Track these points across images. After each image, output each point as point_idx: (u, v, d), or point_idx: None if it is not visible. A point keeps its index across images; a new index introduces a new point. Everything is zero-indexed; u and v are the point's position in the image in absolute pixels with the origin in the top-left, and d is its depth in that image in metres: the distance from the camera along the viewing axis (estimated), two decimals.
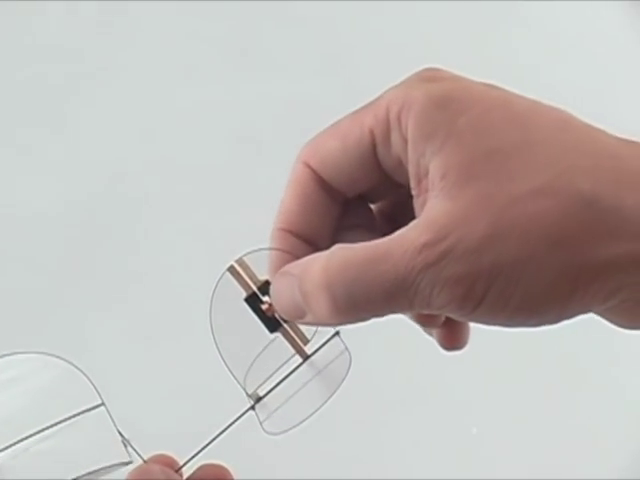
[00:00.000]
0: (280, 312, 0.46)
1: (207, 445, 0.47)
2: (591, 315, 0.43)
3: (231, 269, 0.47)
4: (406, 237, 0.41)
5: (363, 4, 1.12)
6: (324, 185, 0.46)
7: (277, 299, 0.45)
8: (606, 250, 0.40)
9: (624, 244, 0.40)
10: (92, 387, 0.47)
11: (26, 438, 0.46)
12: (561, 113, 0.43)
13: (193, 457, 0.47)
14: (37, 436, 0.46)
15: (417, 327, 0.49)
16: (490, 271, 0.40)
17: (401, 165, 0.44)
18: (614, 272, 0.40)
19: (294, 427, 0.47)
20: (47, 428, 0.47)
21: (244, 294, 0.47)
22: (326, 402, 0.48)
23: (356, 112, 0.44)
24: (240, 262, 0.47)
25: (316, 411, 0.48)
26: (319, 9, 1.14)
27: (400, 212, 0.47)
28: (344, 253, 0.42)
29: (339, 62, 1.13)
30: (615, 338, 1.05)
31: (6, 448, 0.46)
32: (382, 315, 0.43)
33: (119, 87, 1.16)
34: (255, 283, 0.47)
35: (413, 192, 0.43)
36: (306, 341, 0.48)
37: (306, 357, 0.48)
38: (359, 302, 0.42)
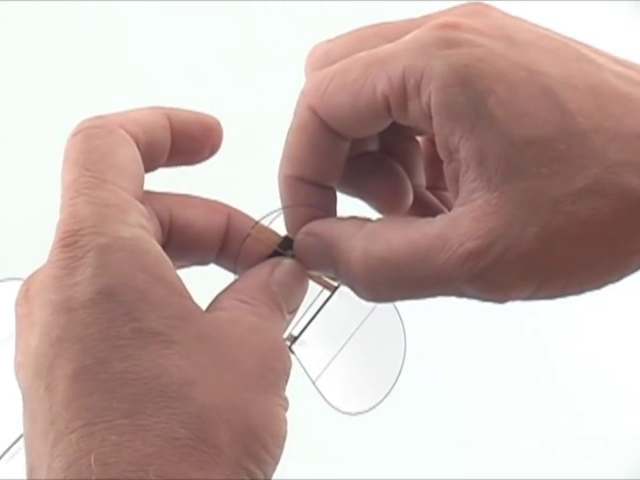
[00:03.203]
0: (307, 268, 0.46)
1: None
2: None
3: (249, 236, 0.46)
4: (449, 238, 0.40)
5: (364, 4, 1.12)
6: (331, 130, 0.44)
7: (304, 258, 0.46)
8: None
9: None
10: None
11: None
12: (589, 74, 0.41)
13: None
14: None
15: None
16: (541, 275, 0.40)
17: (418, 126, 0.43)
18: None
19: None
20: None
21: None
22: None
23: (367, 66, 0.43)
24: (257, 228, 0.47)
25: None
26: (320, 9, 1.14)
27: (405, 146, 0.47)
28: (381, 248, 0.42)
29: None
30: (610, 338, 1.06)
31: None
32: None
33: (117, 87, 1.15)
34: (275, 242, 0.47)
35: (442, 158, 0.42)
36: (332, 278, 0.47)
37: (334, 289, 0.47)
38: (398, 297, 0.43)
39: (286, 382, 0.42)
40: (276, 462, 0.40)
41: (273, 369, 0.41)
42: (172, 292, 0.40)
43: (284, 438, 0.40)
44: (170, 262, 0.41)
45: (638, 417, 1.06)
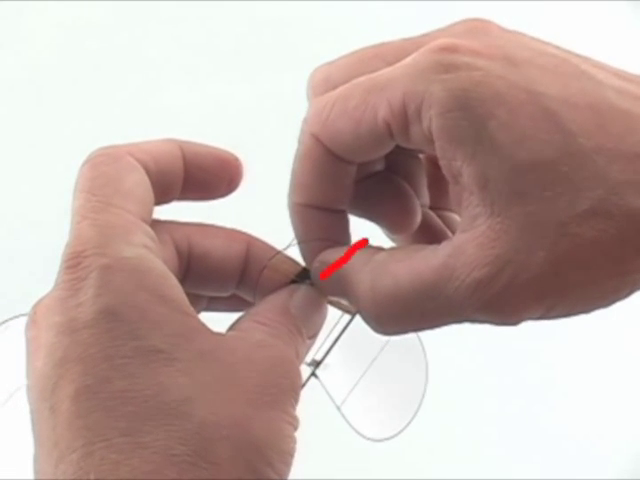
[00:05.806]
0: (325, 293, 0.46)
1: None
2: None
3: (266, 267, 0.46)
4: (455, 267, 0.40)
5: (364, 4, 1.12)
6: (336, 156, 0.44)
7: (320, 286, 0.46)
8: None
9: None
10: None
11: None
12: (589, 92, 0.40)
13: None
14: None
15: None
16: (552, 297, 0.40)
17: (421, 149, 0.43)
18: None
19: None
20: None
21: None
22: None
23: (367, 92, 0.43)
24: (274, 259, 0.47)
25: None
26: (319, 9, 1.14)
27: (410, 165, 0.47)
28: (388, 284, 0.42)
29: None
30: (610, 343, 1.07)
31: None
32: None
33: (116, 87, 1.15)
34: (292, 272, 0.47)
35: (449, 180, 0.42)
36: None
37: (354, 313, 0.47)
38: (408, 329, 0.43)
39: (295, 399, 0.42)
40: (283, 479, 0.40)
41: (279, 385, 0.41)
42: (174, 310, 0.40)
43: (291, 455, 0.40)
44: (174, 280, 0.42)
45: (637, 417, 1.06)
